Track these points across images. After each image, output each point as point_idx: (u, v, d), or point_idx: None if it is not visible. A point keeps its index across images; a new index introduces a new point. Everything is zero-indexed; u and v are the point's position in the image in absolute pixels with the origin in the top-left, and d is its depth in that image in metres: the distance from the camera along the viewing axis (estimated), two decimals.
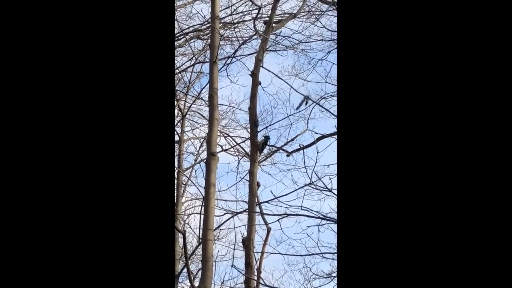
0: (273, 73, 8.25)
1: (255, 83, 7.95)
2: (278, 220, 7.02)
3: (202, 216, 6.16)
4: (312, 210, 6.97)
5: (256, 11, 8.64)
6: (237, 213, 7.41)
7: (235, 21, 9.42)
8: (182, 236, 6.38)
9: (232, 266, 6.71)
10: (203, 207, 6.33)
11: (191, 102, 9.90)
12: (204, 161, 6.55)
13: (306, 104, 8.44)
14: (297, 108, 8.51)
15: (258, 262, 7.33)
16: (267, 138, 7.97)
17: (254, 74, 7.96)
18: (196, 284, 6.00)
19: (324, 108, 8.36)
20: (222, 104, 9.19)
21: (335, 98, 8.53)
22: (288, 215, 6.88)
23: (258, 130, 7.95)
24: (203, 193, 6.57)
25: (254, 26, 7.86)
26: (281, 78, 8.15)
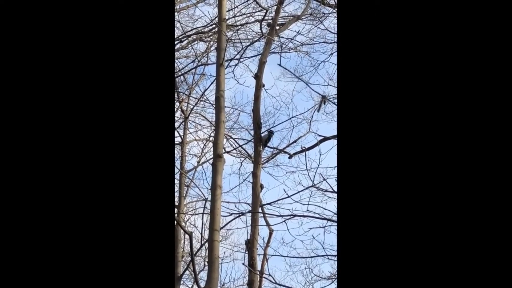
0: (290, 71, 8.28)
1: (259, 85, 7.97)
2: (284, 221, 7.05)
3: (206, 217, 6.17)
4: (316, 212, 7.00)
5: (260, 12, 8.66)
6: (244, 213, 7.44)
7: (238, 23, 9.43)
8: (188, 237, 6.39)
9: (243, 264, 6.88)
10: (208, 209, 6.34)
11: (194, 104, 9.88)
12: (209, 162, 6.57)
13: (324, 104, 8.46)
14: (318, 110, 8.51)
15: (262, 264, 7.37)
16: (271, 133, 8.00)
17: (258, 76, 7.98)
18: (201, 285, 6.01)
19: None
20: (226, 106, 9.19)
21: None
22: (295, 215, 6.92)
23: (261, 132, 7.98)
24: (207, 195, 6.59)
25: (261, 28, 7.87)
26: (298, 77, 8.16)
